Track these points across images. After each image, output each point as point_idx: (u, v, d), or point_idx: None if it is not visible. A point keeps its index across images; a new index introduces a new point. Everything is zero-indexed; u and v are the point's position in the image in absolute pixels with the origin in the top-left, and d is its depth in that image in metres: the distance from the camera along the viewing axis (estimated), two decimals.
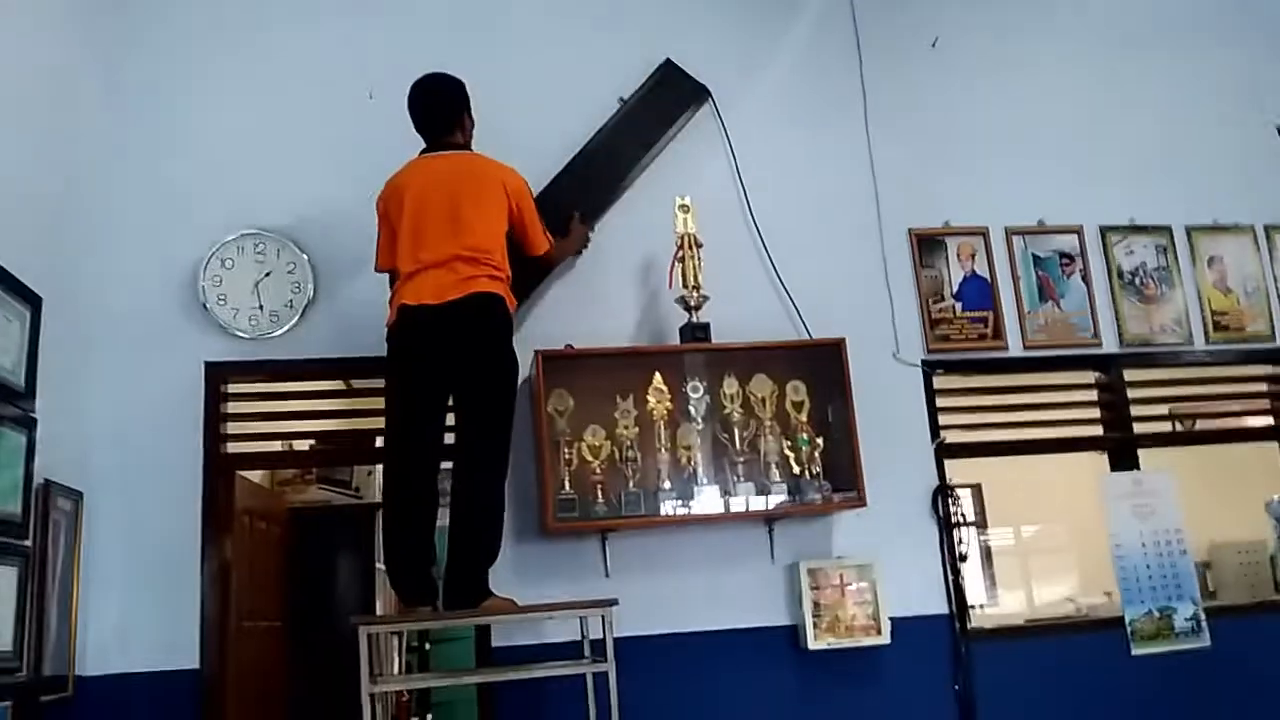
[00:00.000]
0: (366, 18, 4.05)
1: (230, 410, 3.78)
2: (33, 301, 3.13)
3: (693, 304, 3.79)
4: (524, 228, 3.40)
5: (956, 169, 4.29)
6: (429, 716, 5.05)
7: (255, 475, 4.49)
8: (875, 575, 3.80)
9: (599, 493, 3.62)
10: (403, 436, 3.17)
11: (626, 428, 3.68)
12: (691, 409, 3.76)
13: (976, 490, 6.34)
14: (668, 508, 3.65)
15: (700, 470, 3.74)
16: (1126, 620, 3.98)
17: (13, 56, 3.15)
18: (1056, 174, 4.35)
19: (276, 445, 3.98)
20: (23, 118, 3.19)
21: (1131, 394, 4.23)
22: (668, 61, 4.12)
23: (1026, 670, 3.85)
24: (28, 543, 3.03)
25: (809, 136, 4.22)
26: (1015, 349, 4.19)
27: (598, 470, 3.63)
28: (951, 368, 4.15)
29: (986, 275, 4.21)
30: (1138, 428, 4.22)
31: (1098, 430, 4.23)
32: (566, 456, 3.63)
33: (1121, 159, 4.40)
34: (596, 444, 3.66)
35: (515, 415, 3.30)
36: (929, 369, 4.12)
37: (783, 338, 3.93)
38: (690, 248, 3.83)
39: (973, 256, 4.22)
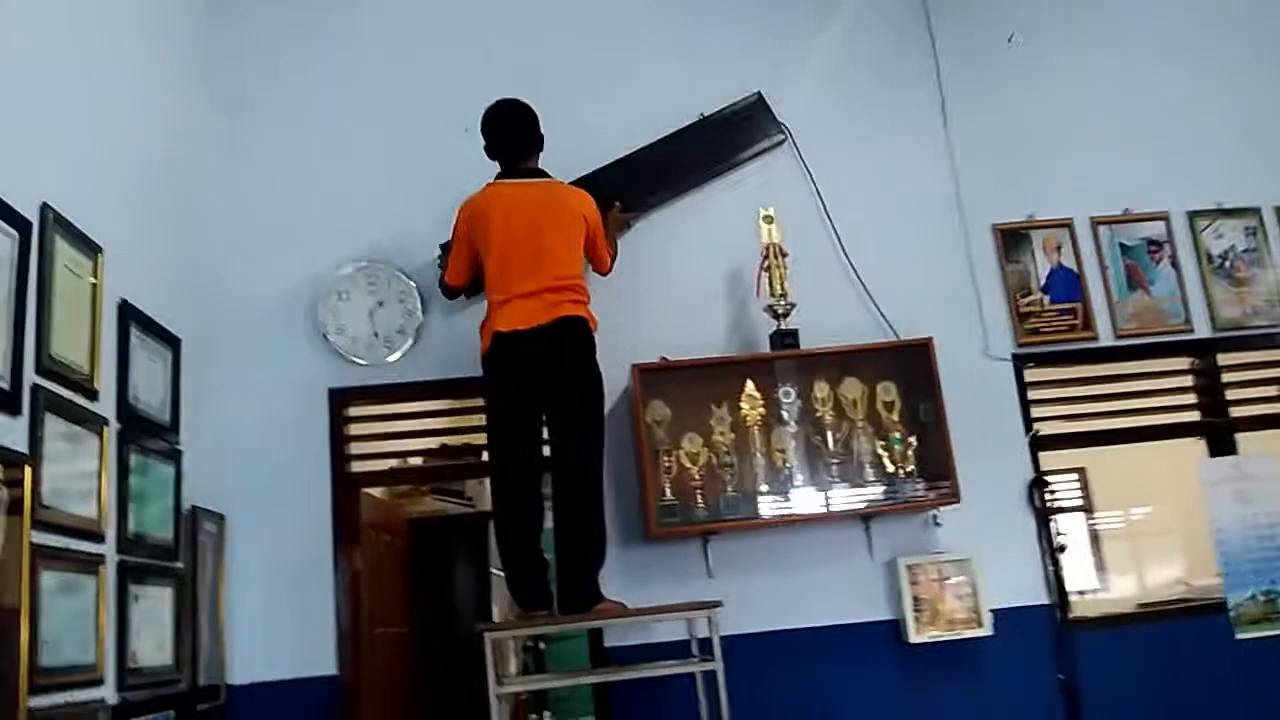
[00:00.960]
0: (460, 53, 4.26)
1: (353, 432, 4.05)
2: (173, 343, 3.43)
3: (780, 312, 3.92)
4: (595, 250, 3.66)
5: (1038, 162, 4.33)
6: (546, 713, 5.30)
7: (375, 490, 4.76)
8: (974, 568, 3.88)
9: (698, 498, 3.79)
10: (509, 454, 3.40)
11: (722, 434, 3.84)
12: (784, 413, 3.90)
13: (1081, 474, 6.35)
14: (765, 509, 3.80)
15: (795, 472, 3.87)
16: (1230, 605, 3.99)
17: (144, 112, 3.44)
18: (1140, 161, 4.34)
19: (394, 461, 4.23)
20: (157, 172, 3.49)
21: (1226, 378, 4.22)
22: (759, 95, 4.26)
23: (1130, 657, 3.88)
24: (180, 564, 3.33)
25: (887, 141, 4.31)
26: (1106, 338, 4.21)
27: (696, 476, 3.80)
28: (1042, 360, 4.19)
29: (1074, 266, 4.24)
30: (1234, 411, 4.21)
31: (1194, 416, 4.23)
32: (666, 465, 3.80)
33: (1206, 142, 4.37)
34: (694, 451, 3.82)
35: (615, 426, 3.49)
36: (1019, 363, 4.17)
37: (870, 340, 4.03)
38: (776, 257, 3.96)
39: (1059, 249, 4.26)
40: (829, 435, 3.87)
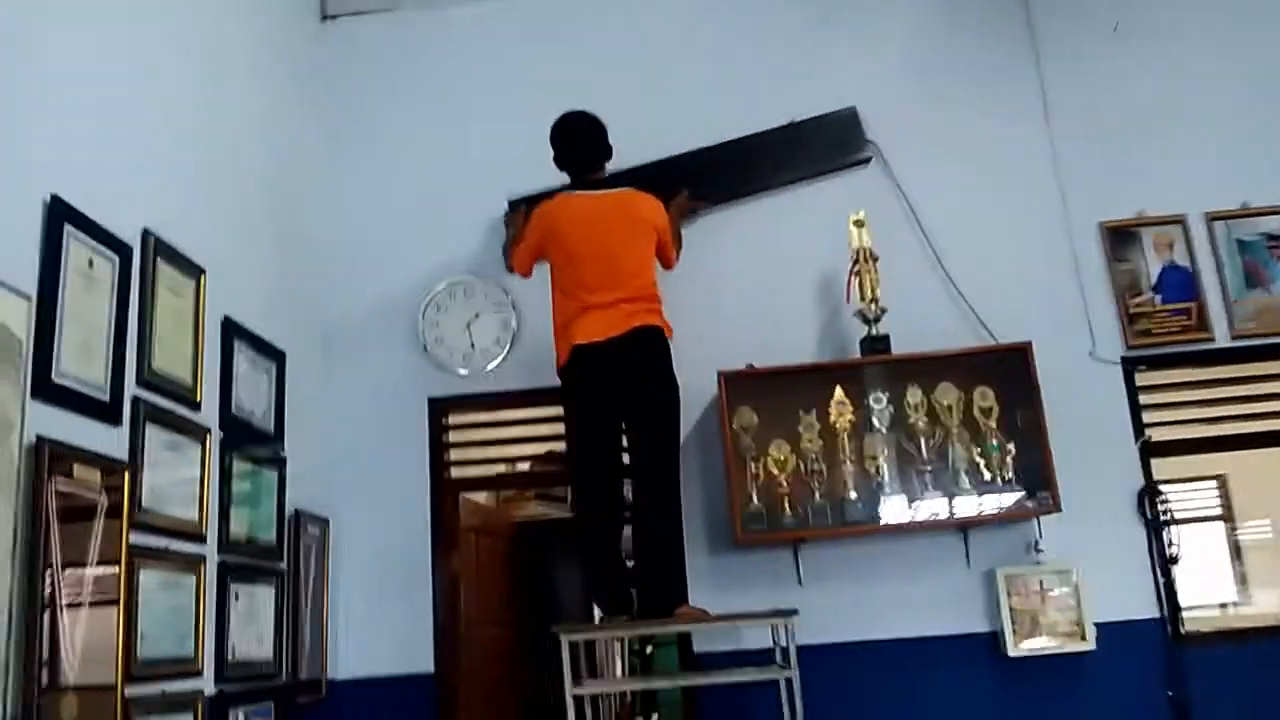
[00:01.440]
0: (553, 66, 4.37)
1: (452, 440, 4.19)
2: (277, 356, 3.62)
3: (871, 317, 3.87)
4: (664, 251, 3.72)
5: (1147, 156, 4.15)
6: (654, 716, 5.34)
7: (481, 496, 4.90)
8: (1077, 579, 3.74)
9: (785, 505, 3.76)
10: (588, 462, 3.46)
11: (810, 441, 3.81)
12: (875, 420, 3.84)
13: (1221, 482, 6.00)
14: (854, 517, 3.75)
15: (887, 480, 3.80)
16: None
17: (247, 135, 3.65)
18: (1257, 151, 4.12)
19: (498, 468, 4.34)
20: (260, 193, 3.70)
21: None
22: (853, 109, 4.22)
23: (1244, 675, 3.67)
24: (283, 565, 3.51)
25: (986, 140, 4.21)
26: (1222, 339, 4.00)
27: (784, 484, 3.77)
28: (1154, 363, 4.00)
29: (1187, 264, 4.04)
30: None
31: None
32: (753, 471, 3.79)
33: None
34: (782, 458, 3.80)
35: (704, 433, 3.50)
36: (1130, 365, 4.00)
37: (968, 345, 3.93)
38: (866, 261, 3.91)
39: (1170, 246, 4.06)
40: (922, 442, 3.79)
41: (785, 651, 3.29)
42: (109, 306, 2.68)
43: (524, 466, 4.47)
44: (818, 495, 3.77)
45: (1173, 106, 4.18)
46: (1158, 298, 4.03)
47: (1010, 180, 4.16)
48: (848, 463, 3.79)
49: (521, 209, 3.97)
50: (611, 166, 3.78)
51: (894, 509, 3.77)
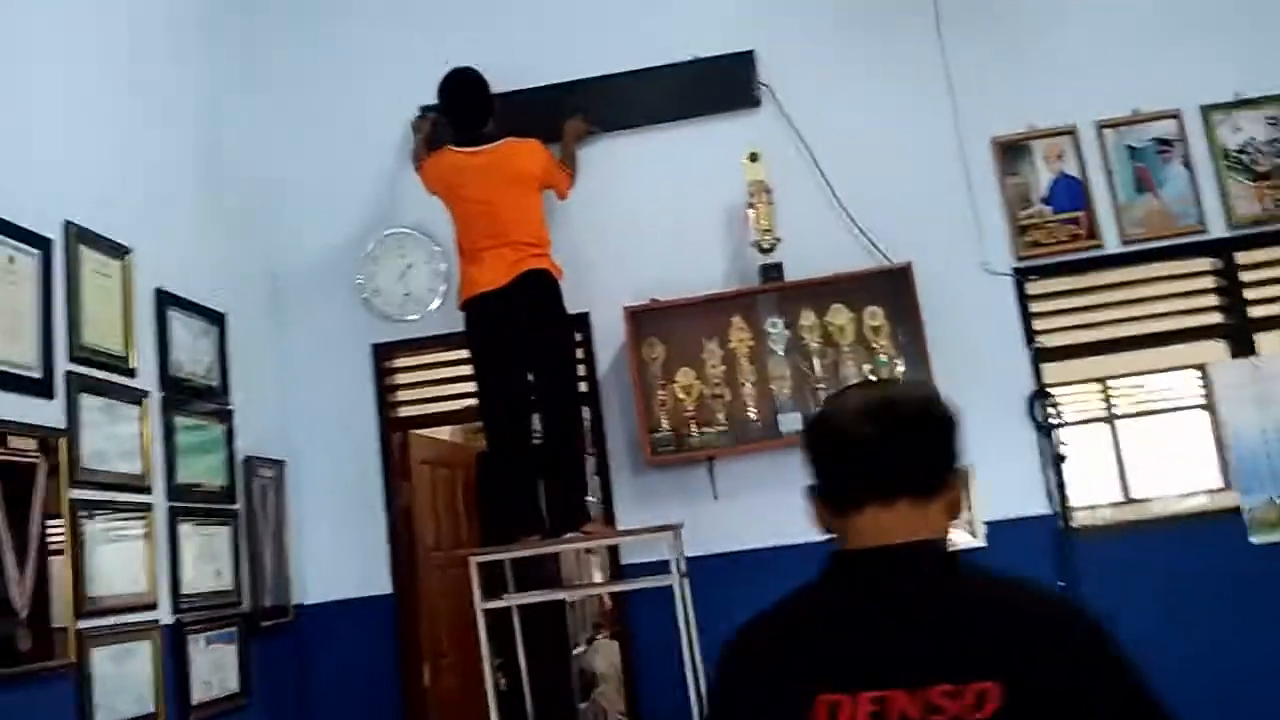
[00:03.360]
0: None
1: (398, 381, 4.55)
2: (217, 319, 3.98)
3: (766, 247, 4.11)
4: (554, 186, 4.04)
5: (1038, 67, 4.26)
6: None
7: (445, 431, 5.24)
8: (968, 481, 4.00)
9: (692, 427, 4.07)
10: (493, 402, 3.82)
11: (714, 367, 4.10)
12: (772, 344, 4.11)
13: (1103, 385, 6.00)
14: (755, 435, 4.06)
15: (785, 399, 4.08)
16: (1244, 509, 3.94)
17: (171, 112, 3.91)
18: (1147, 57, 4.19)
19: (443, 406, 4.67)
20: (184, 170, 3.99)
21: (1245, 277, 4.09)
22: (751, 52, 4.37)
23: (1138, 565, 3.90)
24: (237, 506, 3.94)
25: (879, 64, 4.35)
26: (1113, 246, 4.16)
27: (689, 408, 4.08)
28: (1045, 272, 4.19)
29: (1077, 174, 4.18)
30: (1254, 312, 4.08)
31: (1212, 319, 4.13)
32: (661, 399, 4.10)
33: (1220, 31, 4.16)
34: (687, 384, 4.10)
35: (617, 365, 3.92)
36: (1020, 276, 4.19)
37: (862, 267, 4.15)
38: (760, 194, 4.13)
39: (1060, 156, 4.21)
40: (815, 361, 4.06)
41: (678, 562, 3.65)
42: (34, 294, 3.06)
43: (466, 403, 4.81)
44: (721, 416, 4.07)
45: (1062, 15, 4.27)
46: (1048, 209, 4.19)
47: (903, 101, 4.31)
48: (748, 385, 4.08)
49: (428, 115, 4.30)
50: (513, 85, 4.18)
51: (791, 425, 4.04)
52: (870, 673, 1.26)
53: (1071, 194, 4.18)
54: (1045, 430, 4.08)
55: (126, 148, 3.61)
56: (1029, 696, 1.20)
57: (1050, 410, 4.09)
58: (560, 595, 4.08)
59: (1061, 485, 4.04)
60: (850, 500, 1.40)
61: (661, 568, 3.94)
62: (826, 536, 1.47)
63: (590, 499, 4.19)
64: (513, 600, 3.52)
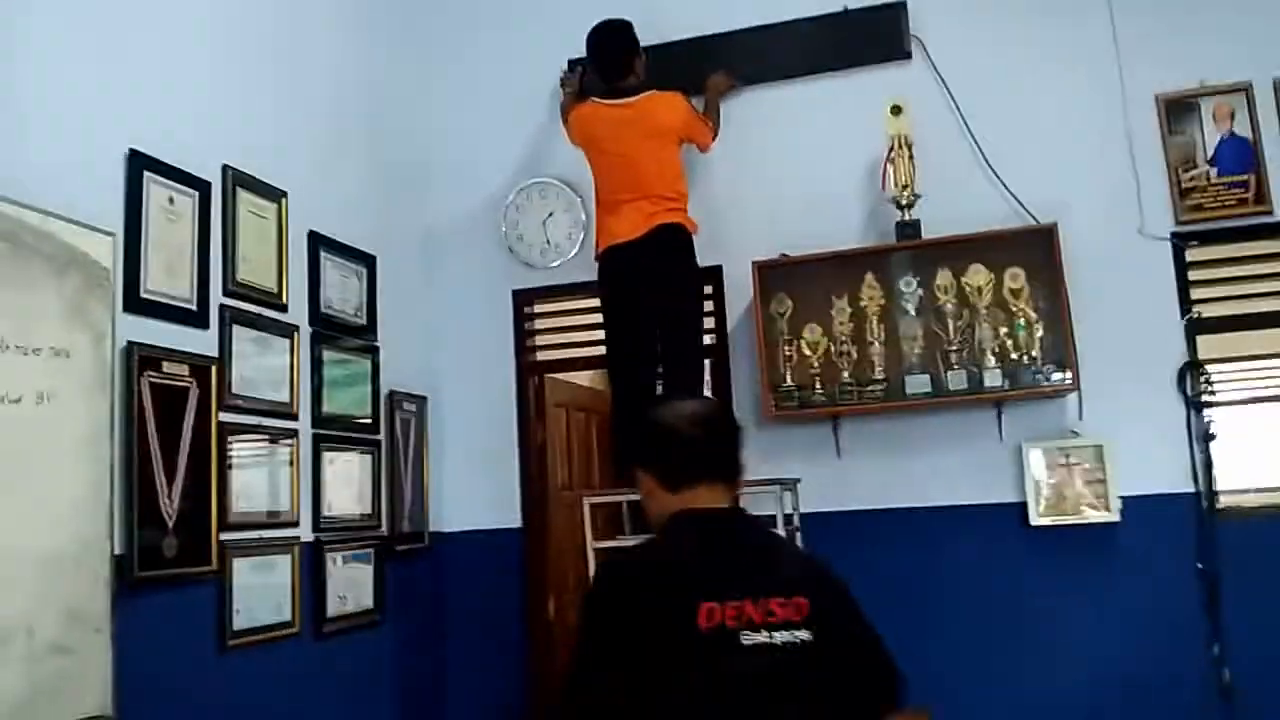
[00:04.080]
0: None
1: (537, 327, 4.71)
2: (367, 261, 4.21)
3: (904, 203, 4.01)
4: (696, 139, 4.05)
5: (1211, 19, 3.95)
6: None
7: (584, 378, 5.37)
8: (1105, 454, 3.84)
9: (817, 384, 4.06)
10: (621, 352, 3.92)
11: (842, 325, 4.05)
12: (904, 303, 4.03)
13: None
14: (881, 395, 3.99)
15: (915, 360, 4.00)
16: None
17: (334, 63, 4.16)
18: None
19: (580, 351, 4.79)
20: (343, 120, 4.23)
21: None
22: (904, 3, 4.26)
23: (1277, 549, 3.70)
24: (378, 436, 4.18)
25: (1035, 9, 4.15)
26: None
27: (815, 365, 4.07)
28: (1206, 238, 3.93)
29: (1248, 135, 3.89)
30: None
31: None
32: (787, 354, 4.10)
33: None
34: (814, 340, 4.08)
35: (749, 318, 4.05)
36: (1179, 241, 3.95)
37: (1004, 226, 4.00)
38: (901, 147, 4.03)
39: (1231, 116, 3.91)
40: (949, 323, 3.95)
41: (790, 517, 3.67)
42: (192, 233, 3.33)
43: (600, 350, 4.93)
44: (846, 374, 4.03)
45: None
46: (1213, 170, 3.92)
47: (1061, 53, 4.09)
48: (876, 344, 4.02)
49: (578, 69, 4.39)
50: (660, 38, 4.24)
51: (919, 387, 3.96)
52: (729, 588, 1.84)
53: (1240, 156, 3.89)
54: (1196, 406, 3.85)
55: (289, 99, 3.85)
56: (821, 607, 1.88)
57: (1203, 385, 3.86)
58: None
59: (1209, 464, 3.82)
60: (685, 480, 1.99)
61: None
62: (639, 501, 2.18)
63: None
64: (624, 542, 3.62)
